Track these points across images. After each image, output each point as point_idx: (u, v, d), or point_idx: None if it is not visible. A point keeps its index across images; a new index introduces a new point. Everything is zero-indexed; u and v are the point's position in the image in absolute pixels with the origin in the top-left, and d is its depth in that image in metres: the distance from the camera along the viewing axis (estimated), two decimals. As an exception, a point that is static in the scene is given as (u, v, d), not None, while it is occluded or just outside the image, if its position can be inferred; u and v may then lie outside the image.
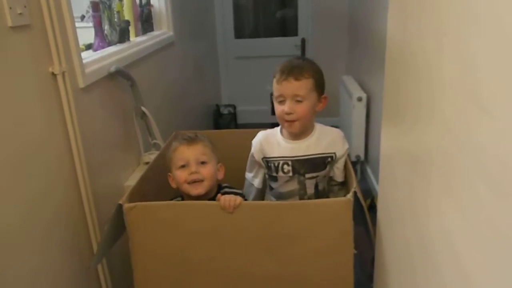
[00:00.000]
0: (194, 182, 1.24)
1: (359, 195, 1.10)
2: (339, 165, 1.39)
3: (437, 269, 0.70)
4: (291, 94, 1.26)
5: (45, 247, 1.13)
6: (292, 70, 1.26)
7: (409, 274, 0.87)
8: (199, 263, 1.15)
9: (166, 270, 1.17)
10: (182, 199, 1.31)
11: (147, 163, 1.71)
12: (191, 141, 1.28)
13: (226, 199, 1.08)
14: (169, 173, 1.32)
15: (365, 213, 1.13)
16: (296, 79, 1.25)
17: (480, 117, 0.52)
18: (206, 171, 1.25)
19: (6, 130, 0.98)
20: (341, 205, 1.08)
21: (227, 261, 1.14)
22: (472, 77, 0.55)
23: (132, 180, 1.61)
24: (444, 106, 0.64)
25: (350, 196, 1.08)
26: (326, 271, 1.14)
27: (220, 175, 1.33)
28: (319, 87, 1.31)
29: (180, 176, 1.25)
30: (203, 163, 1.26)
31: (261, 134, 1.43)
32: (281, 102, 1.29)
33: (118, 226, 1.14)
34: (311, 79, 1.27)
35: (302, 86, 1.26)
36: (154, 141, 1.79)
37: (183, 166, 1.26)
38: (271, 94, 1.37)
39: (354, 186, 1.12)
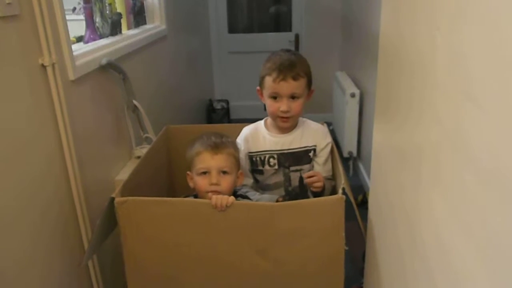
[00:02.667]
0: (213, 192, 1.21)
1: (348, 191, 1.10)
2: (319, 159, 1.39)
3: (425, 263, 0.70)
4: (289, 93, 1.29)
5: (34, 242, 1.11)
6: (289, 70, 1.28)
7: (399, 269, 0.87)
8: (190, 260, 1.15)
9: (157, 265, 1.16)
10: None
11: (138, 157, 1.70)
12: (216, 149, 1.23)
13: (218, 198, 1.07)
14: (188, 172, 1.29)
15: (355, 209, 1.14)
16: (294, 79, 1.28)
17: (470, 110, 0.52)
18: (226, 183, 1.21)
19: (-6, 122, 0.96)
20: (333, 203, 1.07)
21: (219, 259, 1.13)
22: (463, 70, 0.55)
23: (123, 174, 1.59)
24: (436, 99, 0.65)
25: (340, 193, 1.08)
26: (317, 268, 1.14)
27: (239, 182, 1.30)
28: (310, 83, 1.35)
29: (200, 184, 1.22)
30: (224, 172, 1.22)
31: (247, 130, 1.44)
32: (276, 99, 1.31)
33: (110, 220, 1.13)
34: (305, 77, 1.31)
35: (299, 85, 1.30)
36: (146, 135, 1.78)
37: (204, 173, 1.22)
38: (259, 88, 1.37)
39: (343, 182, 1.12)
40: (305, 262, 1.13)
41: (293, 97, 1.30)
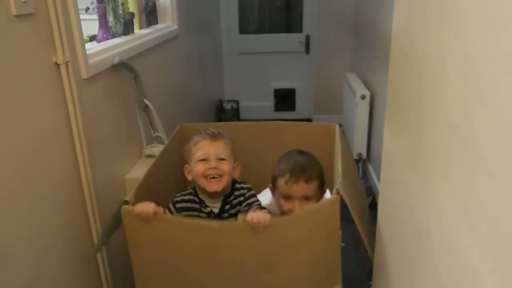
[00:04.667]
0: (212, 178, 1.24)
1: (342, 191, 1.08)
2: None
3: (434, 264, 0.70)
4: (301, 195, 1.31)
5: (47, 237, 1.13)
6: (301, 173, 1.30)
7: (408, 270, 0.87)
8: (195, 276, 1.14)
9: (163, 278, 1.16)
10: (194, 193, 1.30)
11: (148, 155, 1.71)
12: (214, 136, 1.28)
13: (254, 216, 1.03)
14: (186, 165, 1.32)
15: (350, 210, 1.12)
16: (306, 182, 1.30)
17: (481, 112, 0.52)
18: (226, 167, 1.25)
19: (8, 120, 0.98)
20: (328, 207, 1.08)
21: (223, 276, 1.13)
22: (474, 72, 0.55)
23: (133, 173, 1.61)
24: (447, 101, 0.64)
25: (334, 193, 1.08)
26: (313, 269, 1.14)
27: (236, 174, 1.33)
28: (322, 184, 1.37)
29: (198, 169, 1.24)
30: (222, 159, 1.26)
31: (269, 196, 1.44)
32: (288, 200, 1.32)
33: (119, 222, 1.14)
34: (317, 180, 1.33)
35: (311, 188, 1.31)
36: (156, 134, 1.79)
37: (203, 160, 1.25)
38: (271, 186, 1.39)
39: (339, 181, 1.11)
40: (306, 266, 1.13)
41: (306, 197, 1.31)
